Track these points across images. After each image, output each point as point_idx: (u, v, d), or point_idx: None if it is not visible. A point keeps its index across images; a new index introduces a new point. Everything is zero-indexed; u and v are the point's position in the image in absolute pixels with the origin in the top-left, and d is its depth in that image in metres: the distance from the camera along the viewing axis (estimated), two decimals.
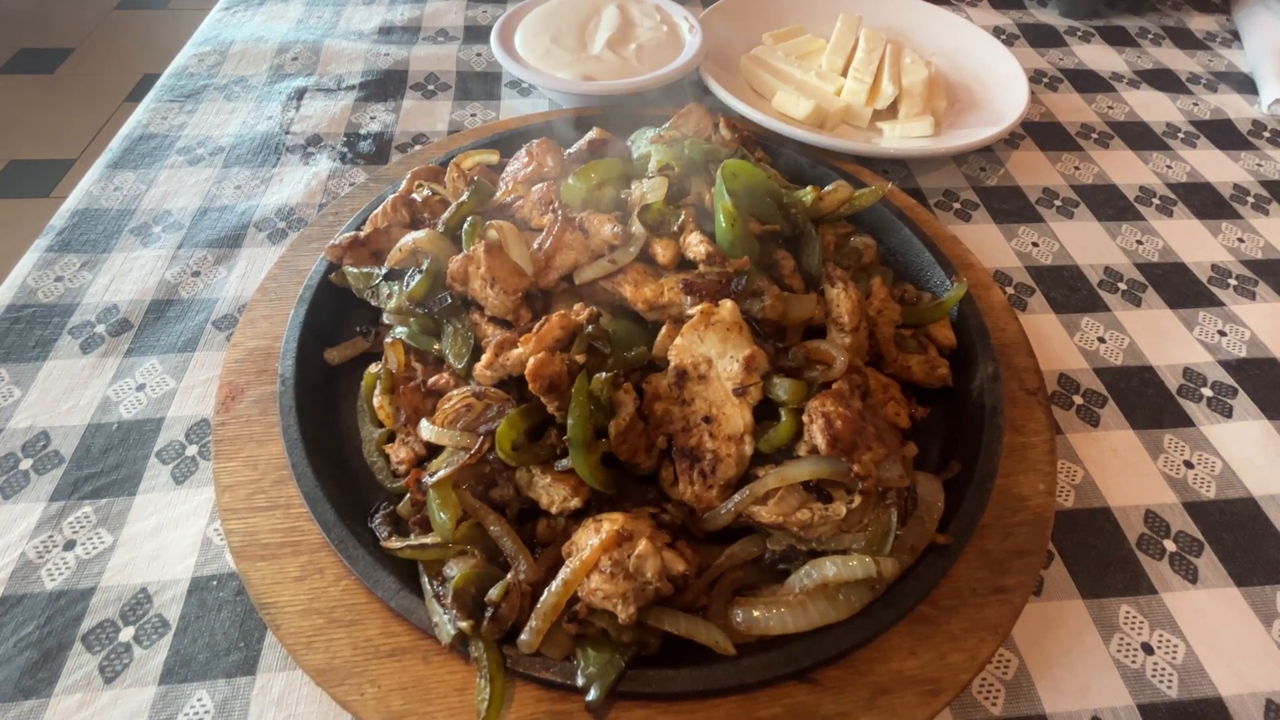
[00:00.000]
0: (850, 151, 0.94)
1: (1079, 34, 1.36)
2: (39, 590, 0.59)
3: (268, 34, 1.22)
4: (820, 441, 0.54)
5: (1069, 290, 0.88)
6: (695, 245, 0.65)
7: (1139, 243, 0.95)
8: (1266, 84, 1.21)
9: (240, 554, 0.56)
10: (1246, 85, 1.25)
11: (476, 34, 1.25)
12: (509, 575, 0.53)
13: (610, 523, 0.52)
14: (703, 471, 0.56)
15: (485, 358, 0.60)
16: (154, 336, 0.77)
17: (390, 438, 0.64)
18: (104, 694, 0.54)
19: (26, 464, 0.66)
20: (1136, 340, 0.83)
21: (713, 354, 0.58)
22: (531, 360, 0.55)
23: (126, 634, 0.57)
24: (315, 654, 0.51)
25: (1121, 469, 0.71)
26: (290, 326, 0.69)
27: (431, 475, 0.56)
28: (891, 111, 1.05)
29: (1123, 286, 0.89)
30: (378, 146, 1.01)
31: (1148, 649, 0.59)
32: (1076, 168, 1.06)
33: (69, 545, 0.61)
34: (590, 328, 0.60)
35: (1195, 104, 1.20)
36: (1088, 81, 1.23)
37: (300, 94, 1.09)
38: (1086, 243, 0.94)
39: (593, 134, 0.80)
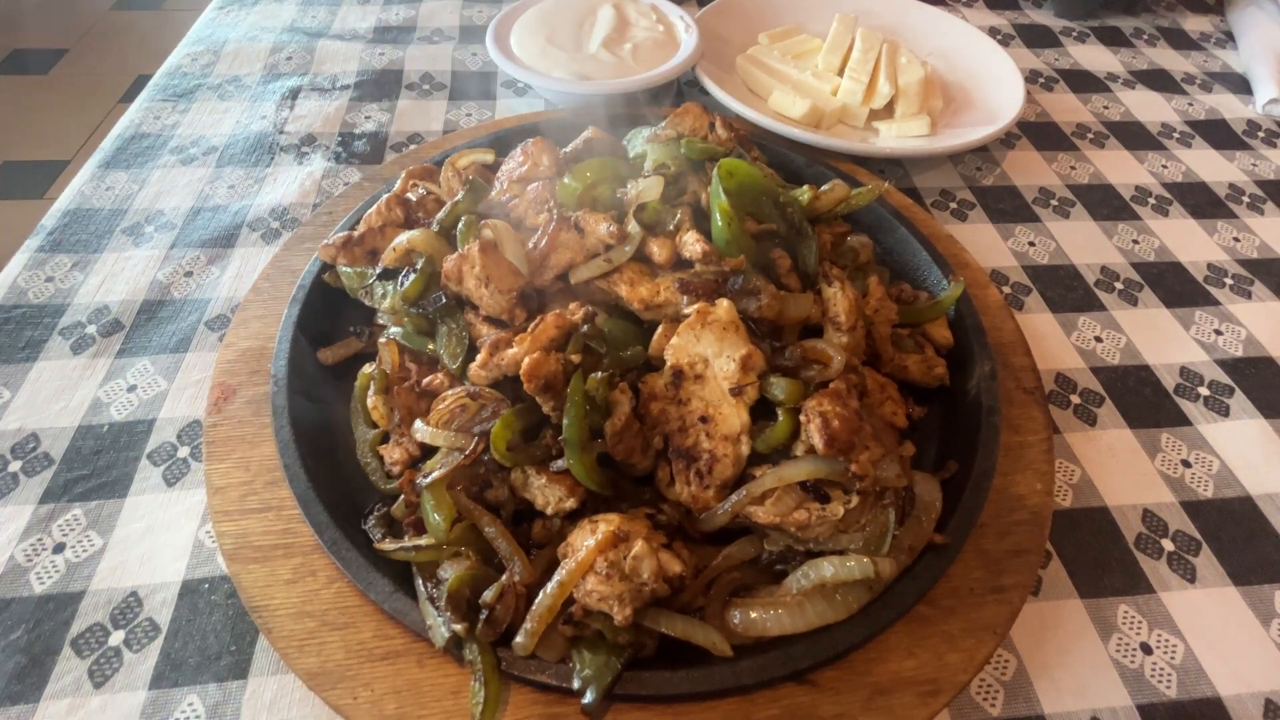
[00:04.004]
0: (846, 151, 0.94)
1: (1074, 34, 1.36)
2: (28, 594, 0.58)
3: (262, 33, 1.21)
4: (817, 441, 0.54)
5: (1065, 289, 0.88)
6: (691, 244, 0.65)
7: (1135, 242, 0.95)
8: (1261, 84, 1.21)
9: (232, 556, 0.55)
10: (1241, 85, 1.25)
11: (472, 34, 1.25)
12: (504, 577, 0.52)
13: (606, 523, 0.52)
14: (699, 472, 0.56)
15: (480, 358, 0.59)
16: (145, 337, 0.76)
17: (384, 439, 0.64)
18: (93, 699, 0.53)
19: (15, 466, 0.65)
20: (1133, 339, 0.83)
21: (709, 353, 0.58)
22: (526, 360, 0.55)
23: (116, 638, 0.56)
24: (308, 657, 0.51)
25: (1119, 468, 0.71)
26: (283, 326, 0.69)
27: (426, 476, 0.56)
28: (888, 111, 1.05)
29: (1119, 286, 0.89)
30: (372, 146, 1.01)
31: (1146, 649, 0.59)
32: (1072, 167, 1.06)
33: (58, 548, 0.60)
34: (586, 327, 0.59)
35: (1190, 104, 1.20)
36: (1083, 82, 1.24)
37: (294, 93, 1.09)
38: (1083, 242, 0.94)
39: (588, 133, 0.79)
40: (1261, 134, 1.15)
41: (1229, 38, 1.38)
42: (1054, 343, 0.82)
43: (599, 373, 0.56)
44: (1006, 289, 0.88)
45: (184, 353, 0.75)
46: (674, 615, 0.51)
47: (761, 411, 0.58)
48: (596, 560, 0.50)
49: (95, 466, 0.65)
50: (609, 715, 0.49)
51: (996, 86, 1.07)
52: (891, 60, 1.06)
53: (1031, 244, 0.94)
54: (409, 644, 0.52)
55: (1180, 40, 1.37)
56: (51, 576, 0.59)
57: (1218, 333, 0.84)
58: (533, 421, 0.57)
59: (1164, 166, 1.07)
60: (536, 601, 0.50)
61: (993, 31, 1.35)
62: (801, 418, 0.56)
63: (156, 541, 0.61)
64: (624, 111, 0.93)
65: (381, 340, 0.68)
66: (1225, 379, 0.80)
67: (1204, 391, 0.78)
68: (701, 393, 0.58)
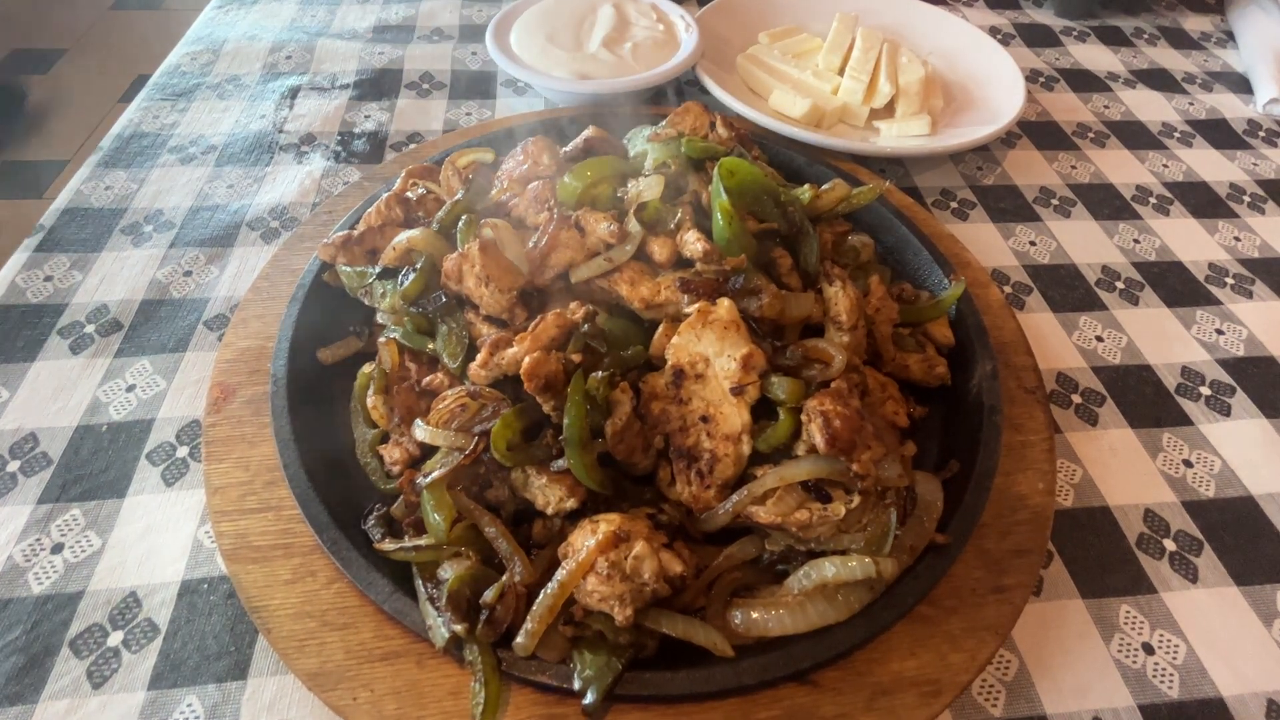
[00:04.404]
0: (847, 150, 0.94)
1: (1074, 34, 1.36)
2: (26, 594, 0.58)
3: (261, 32, 1.21)
4: (819, 440, 0.53)
5: (1066, 289, 0.88)
6: (692, 243, 0.65)
7: (1136, 241, 0.95)
8: (1261, 84, 1.21)
9: (231, 556, 0.55)
10: (1241, 85, 1.25)
11: (472, 33, 1.24)
12: (504, 577, 0.52)
13: (607, 523, 0.52)
14: (700, 471, 0.56)
15: (480, 357, 0.59)
16: (144, 337, 0.76)
17: (384, 438, 0.63)
18: (92, 700, 0.53)
19: (14, 466, 0.65)
20: (1134, 339, 0.83)
21: (710, 353, 0.58)
22: (527, 359, 0.55)
23: (115, 638, 0.56)
24: (307, 658, 0.50)
25: (1120, 468, 0.71)
26: (283, 326, 0.68)
27: (425, 476, 0.55)
28: (888, 110, 1.04)
29: (1120, 285, 0.89)
30: (372, 145, 1.01)
31: (1148, 649, 0.59)
32: (1073, 167, 1.06)
33: (57, 548, 0.60)
34: (586, 326, 0.59)
35: (1191, 104, 1.20)
36: (1083, 81, 1.24)
37: (294, 93, 1.08)
38: (1084, 241, 0.94)
39: (589, 132, 0.79)
40: (1262, 133, 1.15)
41: (1229, 37, 1.38)
42: (1055, 342, 0.82)
43: (599, 372, 0.56)
44: (1007, 288, 0.88)
45: (183, 352, 0.75)
46: (675, 615, 0.51)
47: (763, 411, 0.58)
48: (597, 560, 0.50)
49: (94, 466, 0.65)
50: (610, 716, 0.49)
51: (997, 86, 1.07)
52: (892, 59, 1.05)
53: (1032, 243, 0.94)
54: (409, 644, 0.51)
55: (1181, 40, 1.37)
56: (50, 577, 0.59)
57: (1219, 332, 0.84)
58: (533, 421, 0.57)
59: (1165, 166, 1.07)
60: (537, 602, 0.50)
61: (993, 31, 1.35)
62: (803, 417, 0.56)
63: (155, 542, 0.61)
64: (625, 110, 0.93)
65: (381, 340, 0.67)
66: (1227, 378, 0.79)
67: (1205, 391, 0.78)
68: (702, 392, 0.57)
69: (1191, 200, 1.02)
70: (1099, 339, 0.83)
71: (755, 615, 0.51)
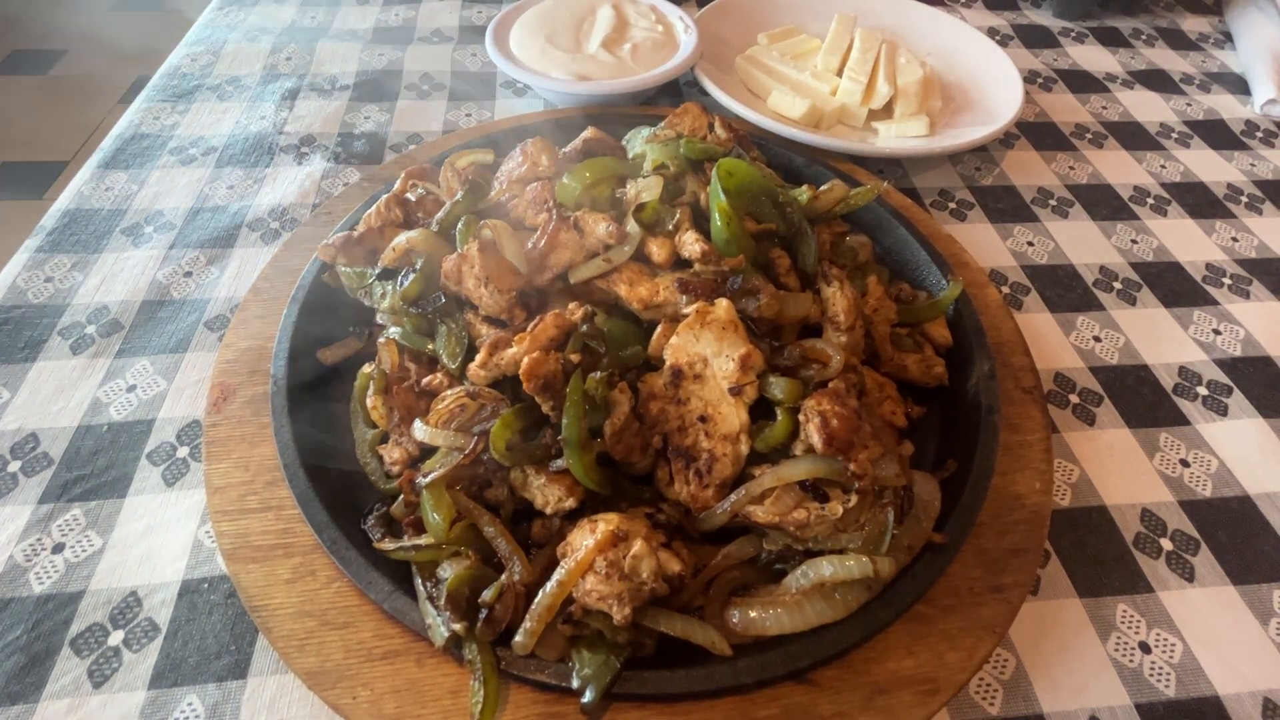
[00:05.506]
0: (845, 151, 0.94)
1: (1073, 35, 1.36)
2: (27, 594, 0.58)
3: (261, 34, 1.21)
4: (816, 440, 0.54)
5: (1064, 289, 0.88)
6: (690, 244, 0.65)
7: (1134, 242, 0.95)
8: (1259, 84, 1.21)
9: (231, 556, 0.55)
10: (1239, 86, 1.26)
11: (471, 34, 1.25)
12: (503, 576, 0.52)
13: (605, 523, 0.52)
14: (698, 471, 0.56)
15: (479, 357, 0.60)
16: (145, 337, 0.76)
17: (384, 438, 0.64)
18: (92, 699, 0.53)
19: (15, 466, 0.65)
20: (1132, 339, 0.83)
21: (708, 353, 0.58)
22: (526, 360, 0.55)
23: (116, 638, 0.56)
24: (307, 657, 0.51)
25: (1118, 468, 0.71)
26: (283, 327, 0.69)
27: (425, 476, 0.56)
28: (887, 111, 1.05)
29: (1118, 285, 0.89)
30: (371, 146, 1.01)
31: (1145, 648, 0.59)
32: (1071, 167, 1.06)
33: (58, 548, 0.60)
34: (585, 327, 0.59)
35: (1189, 104, 1.20)
36: (1082, 82, 1.24)
37: (294, 94, 1.09)
38: (1081, 242, 0.95)
39: (588, 133, 0.79)
40: (1260, 134, 1.15)
41: (1227, 38, 1.39)
42: (1053, 342, 0.82)
43: (598, 372, 0.56)
44: (1005, 289, 0.88)
45: (183, 353, 0.75)
46: (673, 614, 0.51)
47: (761, 411, 0.58)
48: (596, 559, 0.50)
49: (94, 466, 0.65)
50: (608, 714, 0.49)
51: (995, 87, 1.07)
52: (890, 60, 1.06)
53: (1030, 244, 0.94)
54: (408, 643, 0.52)
55: (1179, 41, 1.37)
56: (51, 576, 0.59)
57: (1216, 332, 0.85)
58: (532, 421, 0.57)
59: (1162, 166, 1.07)
60: (536, 601, 0.50)
61: (991, 32, 1.35)
62: (800, 417, 0.56)
63: (156, 541, 0.61)
64: (624, 111, 0.93)
65: (381, 340, 0.68)
66: (1224, 378, 0.80)
67: (1202, 391, 0.78)
68: (701, 392, 0.58)
69: (1189, 201, 1.02)
70: (1096, 339, 0.83)
71: (753, 614, 0.52)
